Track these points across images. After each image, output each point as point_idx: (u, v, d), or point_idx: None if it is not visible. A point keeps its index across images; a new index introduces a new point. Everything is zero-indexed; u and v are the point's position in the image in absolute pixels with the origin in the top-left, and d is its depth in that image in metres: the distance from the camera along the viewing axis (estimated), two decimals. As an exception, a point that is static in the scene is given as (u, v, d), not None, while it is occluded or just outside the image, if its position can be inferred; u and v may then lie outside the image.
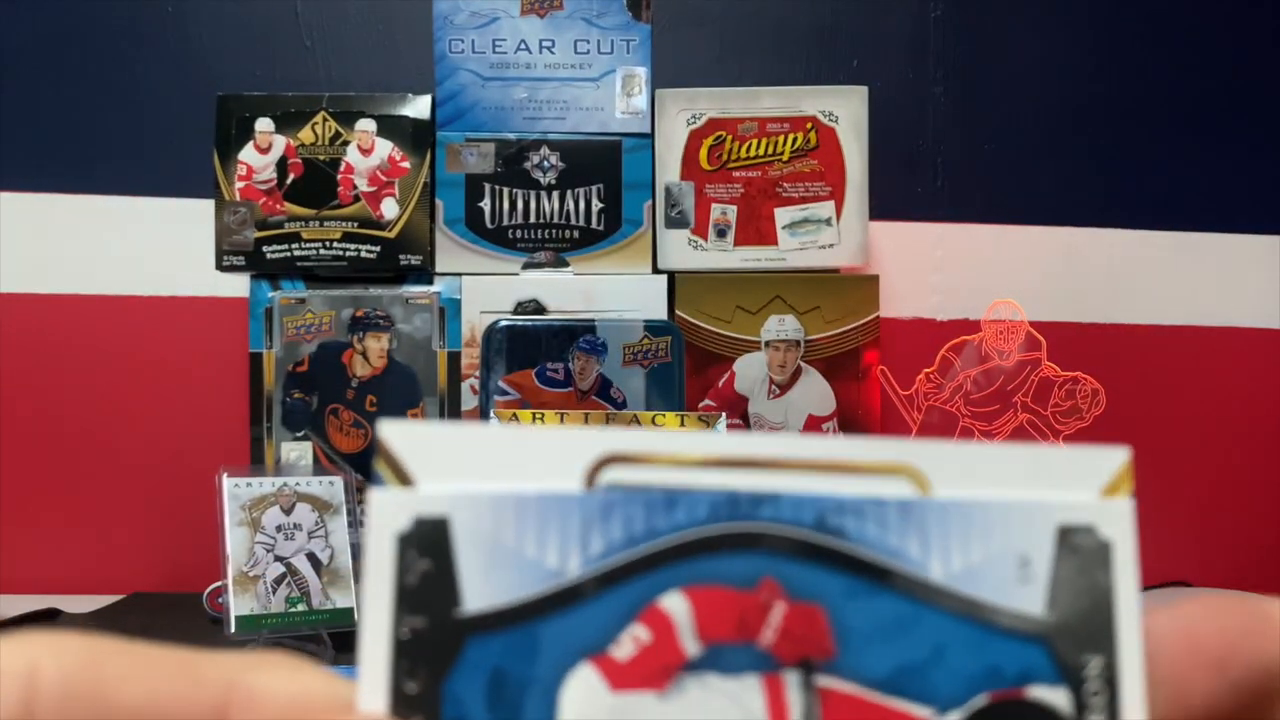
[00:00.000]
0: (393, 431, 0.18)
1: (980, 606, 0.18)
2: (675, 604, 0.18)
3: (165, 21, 1.01)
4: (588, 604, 0.18)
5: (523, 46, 0.92)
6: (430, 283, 0.93)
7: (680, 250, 0.93)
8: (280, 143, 0.91)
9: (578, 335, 0.87)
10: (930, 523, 0.18)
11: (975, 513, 0.18)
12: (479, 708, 0.17)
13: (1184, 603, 0.19)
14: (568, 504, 0.18)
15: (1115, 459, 0.19)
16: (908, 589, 0.18)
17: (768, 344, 0.94)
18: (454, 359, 0.92)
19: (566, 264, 0.92)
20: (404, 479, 0.18)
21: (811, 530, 0.18)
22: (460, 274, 0.92)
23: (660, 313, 0.91)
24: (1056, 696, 0.18)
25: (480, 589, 0.17)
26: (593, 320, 0.88)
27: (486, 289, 0.92)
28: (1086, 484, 0.19)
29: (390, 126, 0.92)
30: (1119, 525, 0.18)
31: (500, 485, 0.18)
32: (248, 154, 0.91)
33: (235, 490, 0.77)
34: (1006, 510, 0.18)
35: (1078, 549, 0.18)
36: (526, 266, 0.92)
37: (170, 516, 0.99)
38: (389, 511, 0.18)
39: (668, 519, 0.18)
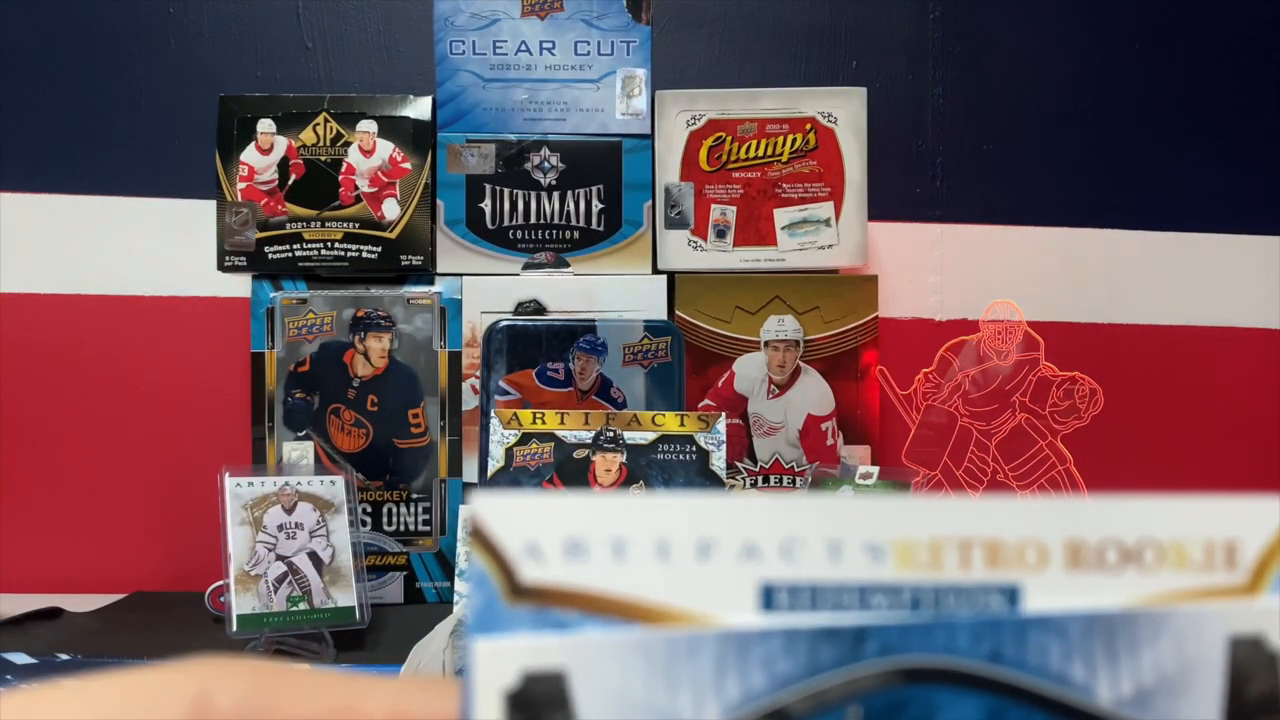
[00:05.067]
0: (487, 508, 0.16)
1: None
2: None
3: (166, 22, 1.02)
4: None
5: (523, 48, 0.93)
6: (431, 283, 0.93)
7: (680, 251, 0.93)
8: (282, 143, 0.91)
9: (578, 335, 0.88)
10: (1095, 640, 0.17)
11: (1141, 622, 0.17)
12: None
13: None
14: (699, 644, 0.16)
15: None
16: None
17: (767, 344, 0.94)
18: (455, 359, 0.93)
19: (567, 264, 0.93)
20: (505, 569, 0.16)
21: (986, 662, 0.16)
22: (461, 274, 0.93)
23: (660, 313, 0.92)
24: None
25: None
26: (593, 320, 0.88)
27: (487, 289, 0.92)
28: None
29: (391, 127, 0.92)
30: None
31: (620, 627, 0.16)
32: (249, 155, 0.91)
33: (237, 489, 0.77)
34: (1172, 620, 0.17)
35: (1250, 659, 0.17)
36: (527, 267, 0.93)
37: (172, 516, 0.99)
38: (494, 666, 0.15)
39: (819, 657, 0.16)
